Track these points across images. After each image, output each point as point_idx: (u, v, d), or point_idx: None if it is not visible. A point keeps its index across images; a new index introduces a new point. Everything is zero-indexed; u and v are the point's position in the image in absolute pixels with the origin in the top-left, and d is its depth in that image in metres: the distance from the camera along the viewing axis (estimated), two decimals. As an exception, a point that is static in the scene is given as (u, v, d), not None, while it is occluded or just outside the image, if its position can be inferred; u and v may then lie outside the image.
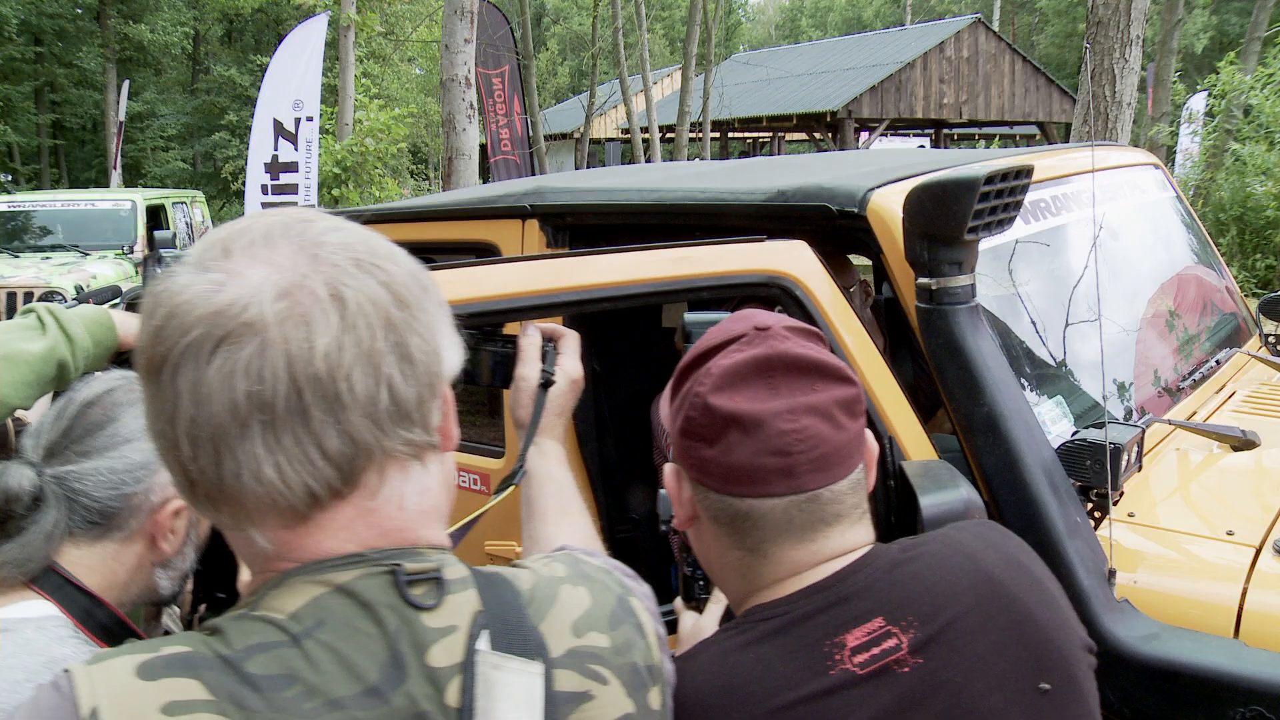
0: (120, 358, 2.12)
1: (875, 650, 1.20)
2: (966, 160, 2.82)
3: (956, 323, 2.09)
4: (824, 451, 1.26)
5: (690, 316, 1.99)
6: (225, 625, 0.93)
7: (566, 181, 3.10)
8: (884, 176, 2.41)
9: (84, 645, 1.48)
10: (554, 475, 1.56)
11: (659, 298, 2.04)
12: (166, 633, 1.79)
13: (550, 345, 1.69)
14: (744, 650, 1.24)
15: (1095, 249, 2.40)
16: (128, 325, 2.09)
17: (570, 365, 1.67)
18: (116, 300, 2.32)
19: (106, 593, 1.55)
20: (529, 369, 1.64)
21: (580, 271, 1.98)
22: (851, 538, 1.30)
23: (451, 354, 1.02)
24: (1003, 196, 2.08)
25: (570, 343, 1.70)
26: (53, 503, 1.51)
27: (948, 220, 2.00)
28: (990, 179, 1.99)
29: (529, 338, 1.67)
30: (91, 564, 1.54)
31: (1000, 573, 1.28)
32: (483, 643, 0.96)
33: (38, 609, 1.48)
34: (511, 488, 1.56)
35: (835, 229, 2.36)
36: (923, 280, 2.11)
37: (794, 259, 2.11)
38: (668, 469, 1.39)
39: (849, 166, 2.85)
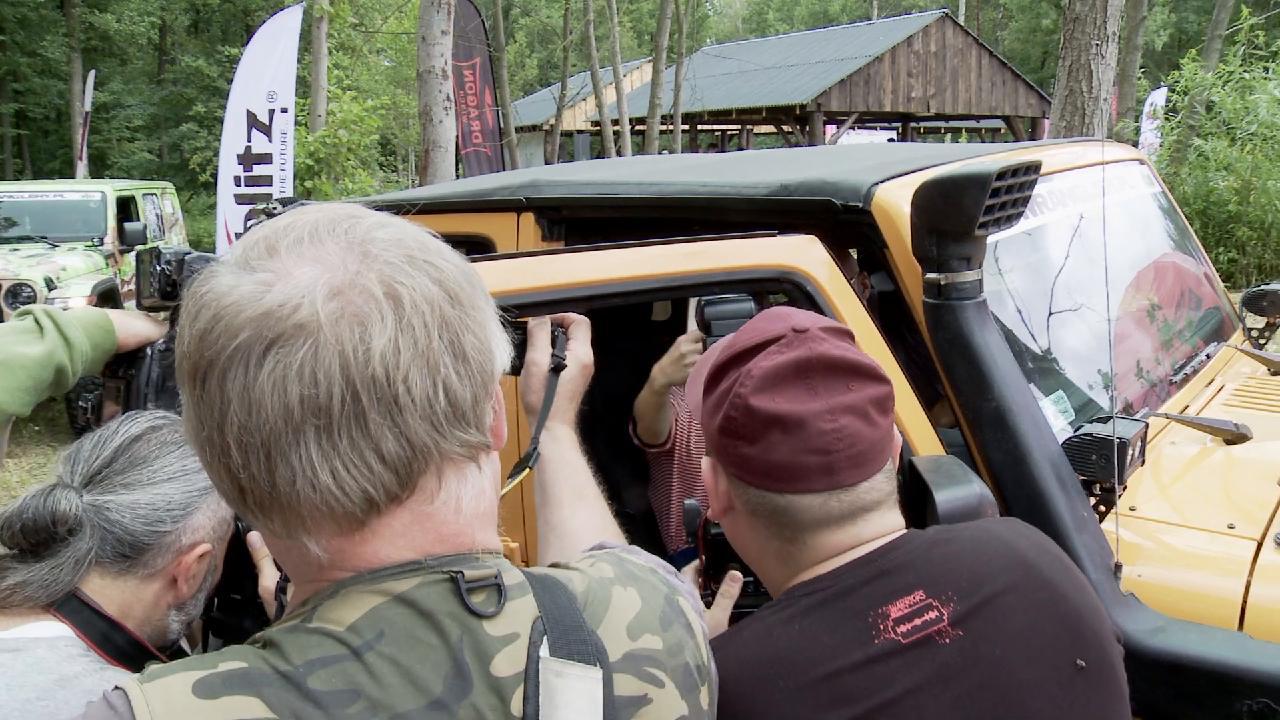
0: (117, 359, 2.08)
1: (917, 621, 1.23)
2: (962, 155, 2.82)
3: (965, 318, 2.08)
4: (861, 449, 1.31)
5: (710, 305, 1.98)
6: (280, 638, 0.90)
7: (562, 174, 3.07)
8: (887, 171, 2.40)
9: (95, 664, 1.46)
10: (568, 459, 1.55)
11: (670, 293, 2.03)
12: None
13: (560, 330, 1.68)
14: (788, 624, 1.27)
15: (1105, 244, 2.39)
16: (127, 327, 2.05)
17: (581, 350, 1.66)
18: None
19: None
20: (540, 354, 1.63)
21: (590, 267, 1.96)
22: (888, 521, 1.36)
23: (502, 351, 0.99)
24: (1012, 192, 2.07)
25: (580, 328, 1.70)
26: (89, 530, 1.50)
27: (959, 215, 1.99)
28: (1002, 174, 1.98)
29: (539, 323, 1.66)
30: (112, 595, 1.53)
31: (1034, 557, 1.33)
32: (544, 649, 0.93)
33: (50, 629, 1.47)
34: (526, 471, 1.54)
35: (839, 223, 2.34)
36: (931, 275, 2.10)
37: (806, 254, 2.09)
38: (705, 462, 1.43)
39: (850, 161, 2.83)
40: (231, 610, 1.79)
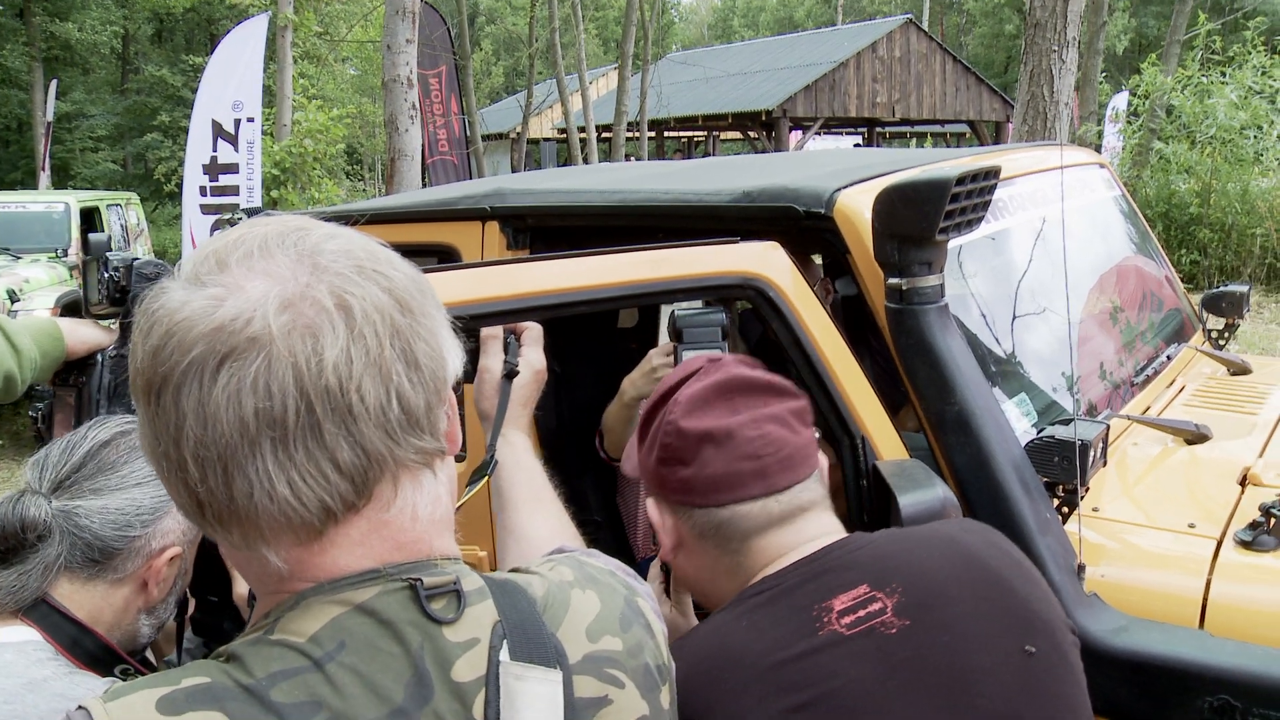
0: (68, 367, 2.06)
1: (861, 613, 1.28)
2: (924, 160, 2.84)
3: (927, 322, 2.10)
4: (788, 453, 1.41)
5: (680, 311, 1.98)
6: (242, 652, 0.90)
7: (527, 183, 3.06)
8: (849, 177, 2.41)
9: (64, 668, 1.46)
10: (524, 464, 1.57)
11: (634, 300, 2.03)
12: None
13: (512, 336, 1.69)
14: (736, 622, 1.32)
15: (1064, 248, 2.42)
16: (76, 335, 2.04)
17: (533, 356, 1.68)
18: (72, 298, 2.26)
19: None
20: (492, 360, 1.65)
21: (554, 275, 1.95)
22: (828, 522, 1.45)
23: (454, 357, 1.00)
24: (972, 197, 2.08)
25: (533, 334, 1.71)
26: (58, 536, 1.50)
27: (919, 221, 2.00)
28: (961, 180, 1.99)
29: (490, 329, 1.67)
30: (81, 600, 1.53)
31: (982, 552, 1.39)
32: (504, 654, 0.94)
33: (19, 634, 1.47)
34: (485, 480, 1.55)
35: (801, 229, 2.35)
36: (893, 280, 2.11)
37: (768, 260, 2.10)
38: (649, 503, 1.50)
39: (814, 167, 2.85)
40: (210, 611, 1.79)
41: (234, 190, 10.66)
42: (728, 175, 2.79)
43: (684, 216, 2.51)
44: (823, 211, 2.28)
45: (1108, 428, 2.19)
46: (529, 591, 1.02)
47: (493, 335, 1.66)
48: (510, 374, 1.63)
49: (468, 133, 18.68)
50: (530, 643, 0.96)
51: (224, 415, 0.86)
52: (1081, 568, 2.02)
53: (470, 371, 1.63)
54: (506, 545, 1.47)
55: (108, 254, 2.09)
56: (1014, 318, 2.67)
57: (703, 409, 1.42)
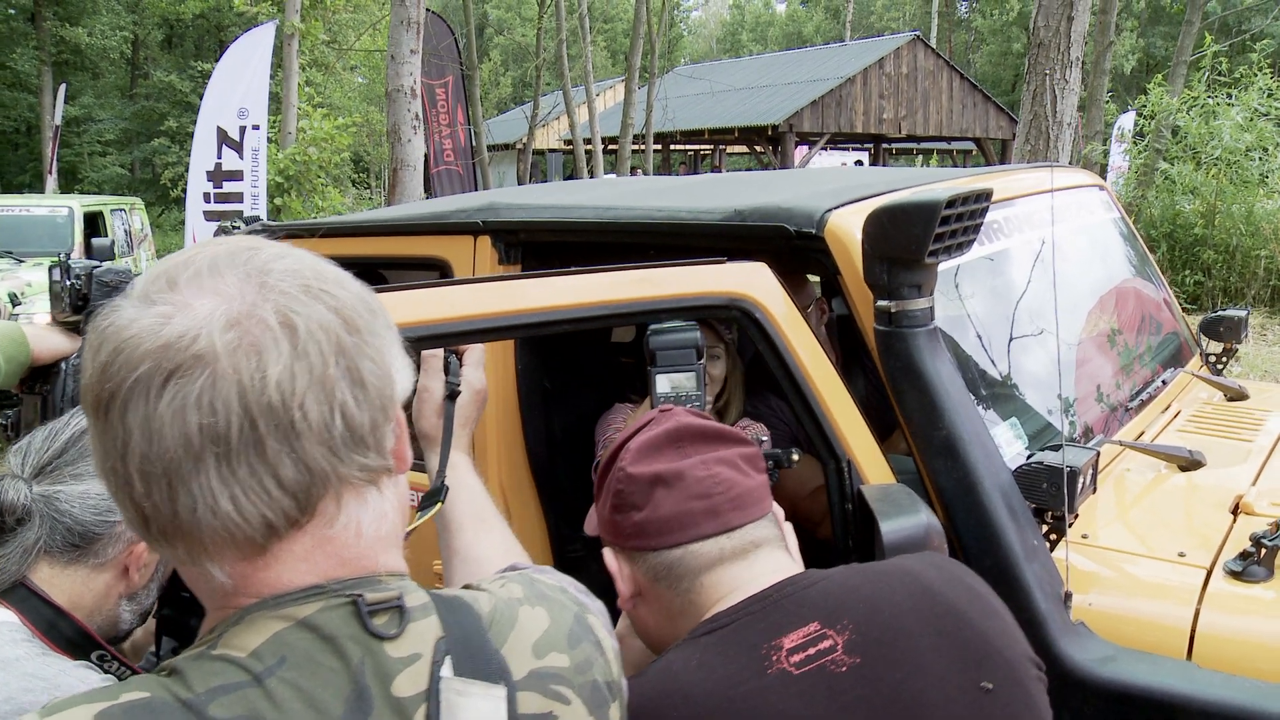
0: (34, 374, 2.06)
1: (811, 651, 1.28)
2: (921, 181, 2.83)
3: (916, 346, 2.08)
4: (739, 492, 1.43)
5: (655, 335, 1.97)
6: (184, 666, 0.91)
7: (520, 197, 3.06)
8: (842, 197, 2.40)
9: (37, 648, 1.49)
10: (467, 484, 1.57)
11: (618, 320, 2.01)
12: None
13: (453, 356, 1.68)
14: (687, 659, 1.32)
15: (1054, 270, 2.40)
16: (42, 342, 2.05)
17: (474, 376, 1.68)
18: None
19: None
20: (433, 380, 1.64)
21: (537, 293, 1.94)
22: (781, 559, 1.45)
23: (403, 376, 1.01)
24: (963, 220, 2.07)
25: (474, 354, 1.71)
26: (38, 520, 1.53)
27: (908, 243, 1.99)
28: (952, 203, 1.98)
29: (430, 349, 1.67)
30: (61, 585, 1.55)
31: (940, 586, 1.38)
32: (446, 669, 0.95)
33: None
34: (438, 506, 1.55)
35: (793, 249, 2.34)
36: (882, 303, 2.10)
37: (754, 281, 2.09)
38: (606, 554, 1.51)
39: (807, 186, 2.83)
40: (180, 608, 1.79)
41: (238, 197, 10.72)
42: (722, 193, 2.79)
43: (676, 234, 2.50)
44: (813, 231, 2.27)
45: (1098, 454, 2.17)
46: (475, 607, 1.02)
47: (433, 354, 1.66)
48: (452, 394, 1.62)
49: (473, 143, 18.72)
50: (474, 658, 0.97)
51: (169, 431, 0.87)
52: (1068, 595, 2.00)
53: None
54: (453, 566, 1.49)
55: (69, 261, 2.10)
56: (1009, 340, 2.66)
57: (652, 455, 1.45)
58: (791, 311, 2.09)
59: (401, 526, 1.05)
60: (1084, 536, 2.24)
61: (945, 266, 2.27)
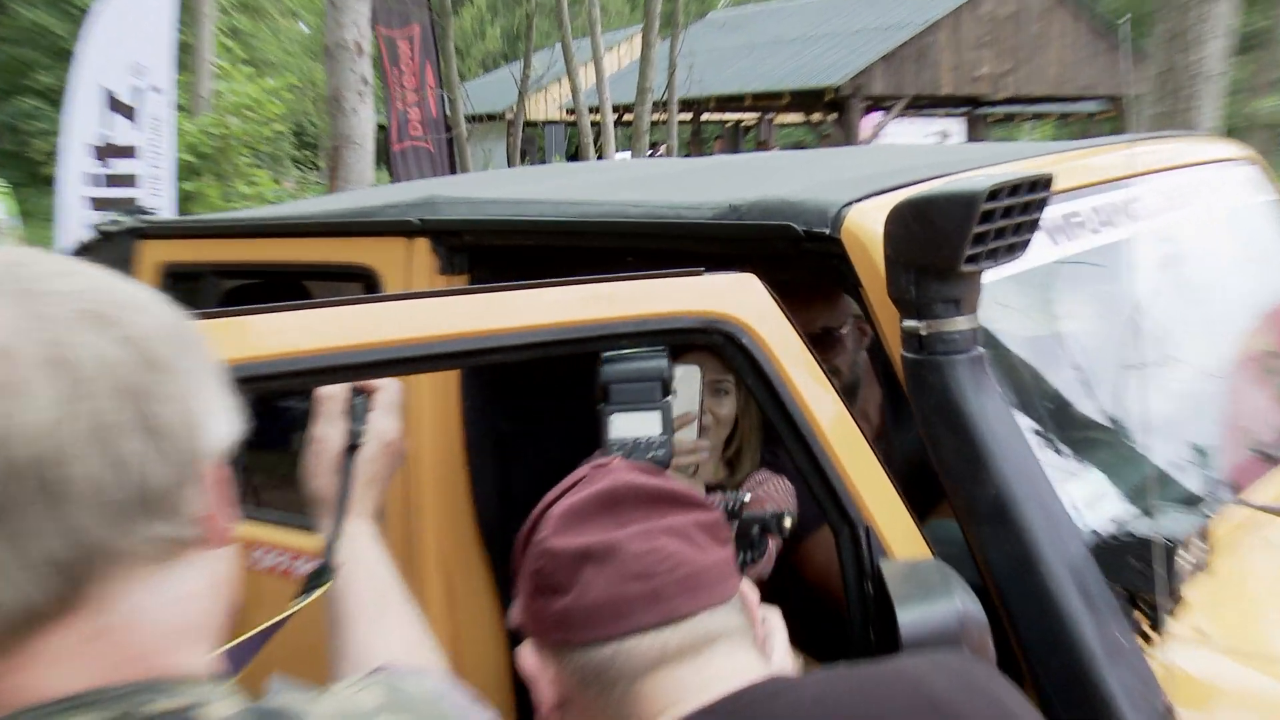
0: None
1: None
2: (978, 162, 2.83)
3: (954, 377, 2.06)
4: (689, 571, 1.37)
5: (609, 364, 1.98)
6: None
7: (466, 190, 3.08)
8: (865, 188, 2.39)
9: None
10: (365, 561, 1.57)
11: (566, 346, 2.01)
12: None
13: (361, 398, 1.69)
14: None
15: (1131, 274, 2.40)
16: None
17: (384, 423, 1.69)
18: None
19: None
20: (330, 428, 1.65)
21: (453, 315, 1.94)
22: (743, 659, 1.39)
23: (219, 424, 1.01)
24: (1012, 215, 2.04)
25: (386, 395, 1.72)
26: None
27: (940, 246, 1.97)
28: (995, 193, 1.95)
29: (330, 389, 1.67)
30: None
31: (951, 696, 1.33)
32: None
33: None
34: (324, 587, 1.56)
35: (802, 254, 2.34)
36: (909, 323, 2.09)
37: (739, 297, 2.08)
38: (523, 651, 1.46)
39: (823, 173, 2.84)
40: None
41: (130, 181, 10.48)
42: (716, 183, 2.80)
43: (655, 236, 2.50)
44: (827, 232, 2.26)
45: (1209, 521, 2.14)
46: None
47: (332, 394, 1.66)
48: (353, 446, 1.64)
49: (448, 112, 18.78)
50: None
51: None
52: (1169, 710, 1.96)
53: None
54: (342, 674, 1.47)
55: None
56: (1096, 365, 2.65)
57: (580, 524, 1.41)
58: (788, 335, 2.09)
59: (217, 614, 1.04)
60: (1199, 631, 2.17)
61: (1007, 271, 2.26)
